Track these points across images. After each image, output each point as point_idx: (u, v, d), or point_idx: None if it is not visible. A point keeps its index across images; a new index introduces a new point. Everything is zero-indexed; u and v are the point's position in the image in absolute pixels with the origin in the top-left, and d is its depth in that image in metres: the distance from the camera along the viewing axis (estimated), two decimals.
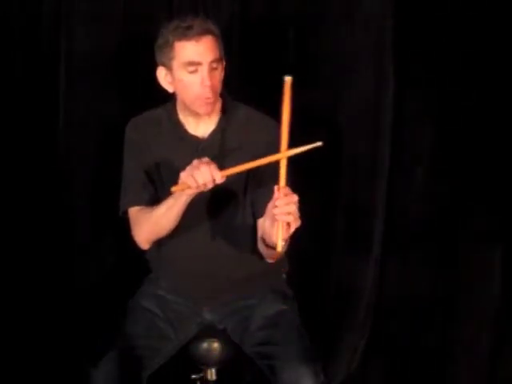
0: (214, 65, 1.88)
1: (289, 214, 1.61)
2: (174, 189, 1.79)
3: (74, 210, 2.49)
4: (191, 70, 1.86)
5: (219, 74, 1.91)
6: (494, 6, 2.35)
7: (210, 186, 1.76)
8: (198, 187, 1.75)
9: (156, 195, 2.01)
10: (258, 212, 1.93)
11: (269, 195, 1.73)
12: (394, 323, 2.60)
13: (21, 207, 2.43)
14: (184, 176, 1.76)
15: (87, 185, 2.49)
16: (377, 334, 2.64)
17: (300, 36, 2.48)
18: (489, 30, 2.36)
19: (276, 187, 1.64)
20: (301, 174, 2.09)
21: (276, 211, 1.62)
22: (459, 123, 2.45)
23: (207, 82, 1.86)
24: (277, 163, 1.64)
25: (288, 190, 1.64)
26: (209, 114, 1.96)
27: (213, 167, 1.74)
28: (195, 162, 1.76)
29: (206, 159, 1.76)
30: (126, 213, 2.04)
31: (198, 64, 1.86)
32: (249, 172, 1.96)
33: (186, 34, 1.84)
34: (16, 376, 2.43)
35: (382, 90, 2.47)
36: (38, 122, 2.44)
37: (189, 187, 1.76)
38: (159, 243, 2.05)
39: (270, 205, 1.68)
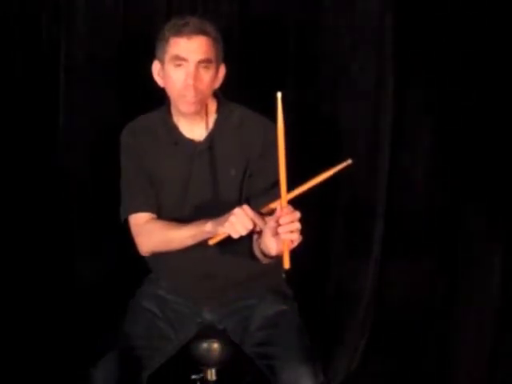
0: (203, 65, 1.87)
1: (292, 232, 1.63)
2: (211, 242, 1.79)
3: (74, 210, 2.49)
4: (176, 64, 1.87)
5: (209, 76, 1.90)
6: (494, 6, 2.35)
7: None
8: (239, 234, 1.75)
9: (157, 200, 2.01)
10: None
11: (264, 194, 1.81)
12: (394, 323, 2.61)
13: (21, 208, 2.43)
14: (224, 228, 1.75)
15: (87, 185, 2.49)
16: (377, 334, 2.64)
17: (300, 35, 2.48)
18: (489, 29, 2.36)
19: (278, 206, 1.65)
20: (300, 175, 2.10)
21: (280, 230, 1.64)
22: (459, 123, 2.45)
23: (190, 81, 1.86)
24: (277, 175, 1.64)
25: (290, 208, 1.65)
26: (191, 114, 1.94)
27: (249, 211, 1.73)
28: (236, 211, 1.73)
29: (245, 206, 1.74)
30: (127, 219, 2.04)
31: (184, 60, 1.86)
32: (245, 171, 1.97)
33: (180, 30, 1.86)
34: (16, 376, 2.43)
35: (382, 90, 2.47)
36: (38, 122, 2.44)
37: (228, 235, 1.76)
38: None
39: (270, 219, 1.69)
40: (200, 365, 2.07)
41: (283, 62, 2.48)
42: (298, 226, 1.64)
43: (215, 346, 2.02)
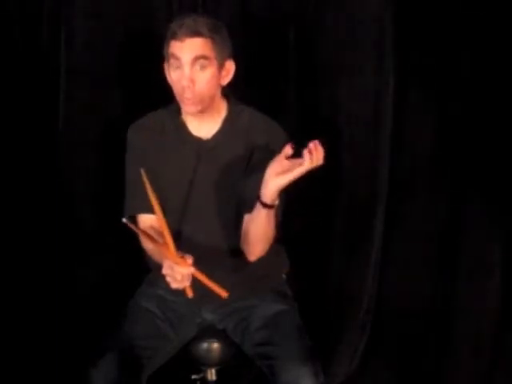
0: (199, 65, 1.87)
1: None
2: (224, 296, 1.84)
3: (75, 210, 2.49)
4: (174, 65, 1.88)
5: (207, 76, 1.89)
6: (494, 5, 2.35)
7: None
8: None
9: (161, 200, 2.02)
10: (245, 206, 1.95)
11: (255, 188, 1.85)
12: (394, 323, 2.61)
13: (21, 208, 2.43)
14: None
15: (88, 185, 2.49)
16: (377, 334, 2.64)
17: (300, 36, 2.47)
18: (490, 28, 2.36)
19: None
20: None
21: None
22: (460, 123, 2.45)
23: (185, 82, 1.86)
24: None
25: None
26: (195, 113, 1.95)
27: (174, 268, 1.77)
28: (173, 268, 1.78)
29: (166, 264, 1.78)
30: (131, 217, 2.04)
31: (178, 59, 1.87)
32: (245, 169, 1.97)
33: (175, 32, 1.86)
34: (16, 376, 2.43)
35: (382, 89, 2.47)
36: (38, 122, 2.44)
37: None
38: None
39: None
40: (200, 365, 2.07)
41: (283, 62, 2.47)
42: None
43: (215, 345, 2.03)
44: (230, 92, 2.03)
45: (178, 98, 1.93)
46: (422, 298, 2.57)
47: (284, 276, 2.17)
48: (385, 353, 2.63)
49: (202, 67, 1.88)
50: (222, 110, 2.01)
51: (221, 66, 1.92)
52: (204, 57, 1.87)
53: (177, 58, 1.87)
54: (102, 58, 2.44)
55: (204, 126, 2.00)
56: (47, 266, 2.48)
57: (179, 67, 1.88)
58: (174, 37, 1.86)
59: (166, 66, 1.97)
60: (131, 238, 2.06)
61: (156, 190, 2.02)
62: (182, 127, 2.00)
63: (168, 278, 1.78)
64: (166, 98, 2.01)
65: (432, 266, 2.55)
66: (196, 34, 1.86)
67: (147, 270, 2.15)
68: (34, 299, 2.47)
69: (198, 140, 2.00)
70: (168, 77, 1.97)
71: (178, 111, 2.01)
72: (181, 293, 2.05)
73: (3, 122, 2.40)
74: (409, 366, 2.61)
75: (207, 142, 1.99)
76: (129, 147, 2.05)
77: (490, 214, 2.47)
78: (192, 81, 1.87)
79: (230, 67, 1.96)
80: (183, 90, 1.88)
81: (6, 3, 2.37)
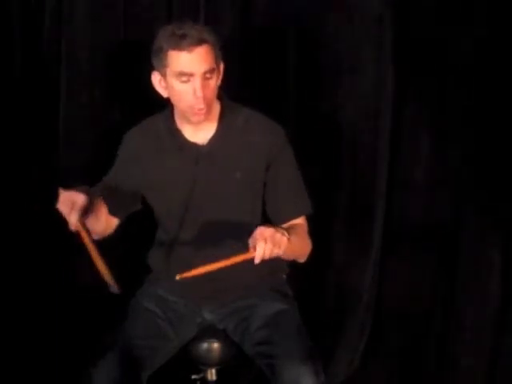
0: (208, 75, 1.86)
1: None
2: None
3: None
4: (183, 80, 1.85)
5: (213, 83, 1.89)
6: (495, 7, 2.35)
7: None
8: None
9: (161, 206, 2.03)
10: (276, 218, 2.02)
11: (282, 199, 1.97)
12: (394, 323, 2.61)
13: (21, 208, 2.43)
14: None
15: (88, 185, 2.48)
16: (377, 334, 2.64)
17: (300, 36, 2.48)
18: (490, 29, 2.36)
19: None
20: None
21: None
22: (459, 123, 2.45)
23: (199, 93, 1.84)
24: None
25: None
26: (201, 122, 1.94)
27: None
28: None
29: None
30: None
31: (191, 75, 1.84)
32: (254, 174, 1.98)
33: (179, 43, 1.81)
34: (16, 376, 2.43)
35: (382, 90, 2.47)
36: (38, 122, 2.44)
37: None
38: (160, 243, 2.06)
39: None
40: (200, 365, 2.07)
41: (283, 63, 2.47)
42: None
43: (215, 345, 2.03)
44: (224, 93, 2.02)
45: (184, 109, 1.91)
46: (421, 298, 2.57)
47: (284, 276, 2.17)
48: (385, 353, 2.63)
49: (210, 77, 1.87)
50: (216, 113, 2.00)
51: (218, 70, 1.92)
52: (212, 67, 1.86)
53: (186, 72, 1.83)
54: (102, 58, 2.44)
55: (200, 131, 1.99)
56: (48, 265, 2.48)
57: (188, 80, 1.84)
58: (178, 48, 1.81)
59: (157, 76, 1.91)
60: (132, 238, 2.06)
61: (156, 195, 2.02)
62: (178, 133, 1.99)
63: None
64: (164, 100, 2.01)
65: (432, 266, 2.55)
66: (202, 41, 1.83)
67: (147, 269, 2.15)
68: (35, 299, 2.47)
69: (195, 145, 1.99)
70: (160, 87, 1.92)
71: (171, 117, 2.00)
72: (181, 293, 2.07)
73: (3, 123, 2.40)
74: (409, 366, 2.61)
75: (204, 146, 1.99)
76: (120, 152, 2.06)
77: (490, 214, 2.47)
78: (204, 89, 1.85)
79: (222, 68, 1.95)
80: (196, 101, 1.86)
81: (7, 3, 2.37)
